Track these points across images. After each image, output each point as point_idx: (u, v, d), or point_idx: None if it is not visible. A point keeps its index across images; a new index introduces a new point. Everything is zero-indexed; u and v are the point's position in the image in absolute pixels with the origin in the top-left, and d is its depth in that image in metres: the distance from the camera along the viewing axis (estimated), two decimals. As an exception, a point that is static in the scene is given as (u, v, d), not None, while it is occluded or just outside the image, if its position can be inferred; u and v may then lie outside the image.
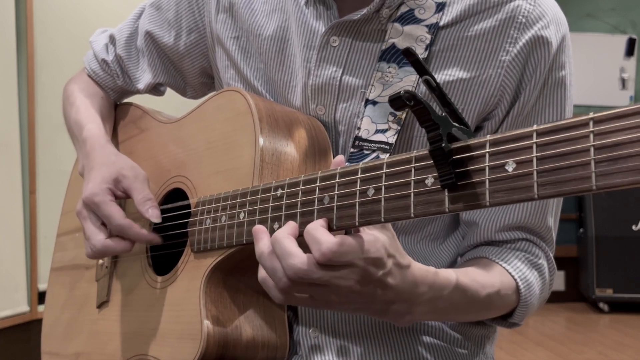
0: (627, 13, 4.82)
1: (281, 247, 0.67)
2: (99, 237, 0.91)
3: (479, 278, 0.82)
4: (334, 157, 0.88)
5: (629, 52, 4.84)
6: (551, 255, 0.94)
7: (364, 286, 0.68)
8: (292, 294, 0.69)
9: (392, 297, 0.70)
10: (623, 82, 4.86)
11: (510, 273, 0.86)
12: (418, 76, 0.78)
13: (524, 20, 0.85)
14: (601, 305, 4.41)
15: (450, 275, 0.77)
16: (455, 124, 0.58)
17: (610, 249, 4.33)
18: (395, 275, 0.69)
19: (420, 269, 0.73)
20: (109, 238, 0.91)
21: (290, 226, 0.70)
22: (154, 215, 0.91)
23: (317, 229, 0.66)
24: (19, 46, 2.52)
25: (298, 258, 0.66)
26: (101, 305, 1.04)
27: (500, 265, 0.87)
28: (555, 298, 4.69)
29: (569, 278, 4.77)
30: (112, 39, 1.15)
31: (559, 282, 4.76)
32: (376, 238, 0.67)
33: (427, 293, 0.73)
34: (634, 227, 4.31)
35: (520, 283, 0.86)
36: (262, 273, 0.71)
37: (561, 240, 4.64)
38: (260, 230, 0.72)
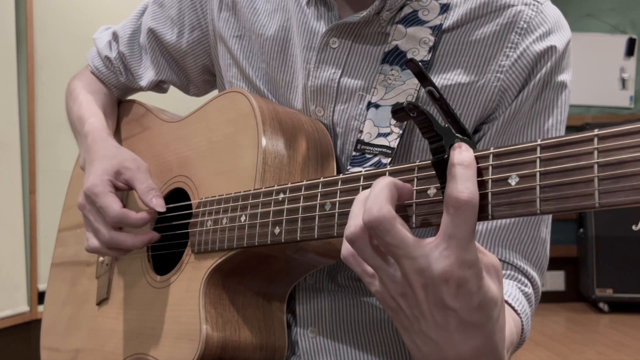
0: (627, 13, 4.81)
1: (374, 188, 0.55)
2: (104, 230, 0.90)
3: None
4: (335, 161, 0.88)
5: (629, 52, 4.83)
6: (539, 283, 0.87)
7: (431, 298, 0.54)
8: (356, 252, 0.57)
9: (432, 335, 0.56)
10: (623, 82, 4.86)
11: (516, 311, 0.81)
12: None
13: (525, 25, 0.84)
14: (601, 305, 4.41)
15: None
16: (458, 135, 0.57)
17: (610, 249, 4.32)
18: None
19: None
20: (116, 231, 0.90)
21: (389, 190, 0.55)
22: (158, 204, 0.89)
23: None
24: (19, 46, 2.52)
25: (381, 207, 0.53)
26: (101, 302, 1.04)
27: (508, 303, 0.80)
28: (555, 298, 4.69)
29: (569, 278, 4.76)
30: (115, 36, 1.15)
31: (559, 282, 4.76)
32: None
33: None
34: (634, 227, 4.31)
35: (523, 319, 0.81)
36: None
37: (561, 240, 4.65)
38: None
